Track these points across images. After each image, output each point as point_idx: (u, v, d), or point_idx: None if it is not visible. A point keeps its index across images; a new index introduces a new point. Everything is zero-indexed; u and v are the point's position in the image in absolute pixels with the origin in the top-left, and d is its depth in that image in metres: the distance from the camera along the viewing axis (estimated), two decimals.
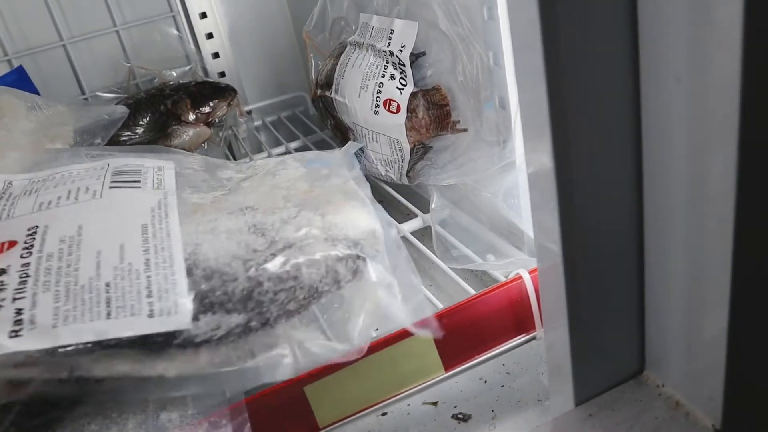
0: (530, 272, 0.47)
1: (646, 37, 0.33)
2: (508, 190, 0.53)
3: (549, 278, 0.40)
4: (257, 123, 1.04)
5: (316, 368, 0.43)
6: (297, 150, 0.91)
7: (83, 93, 0.99)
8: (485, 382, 0.54)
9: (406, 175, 0.67)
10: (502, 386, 0.53)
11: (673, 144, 0.35)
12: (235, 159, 0.94)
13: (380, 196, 0.69)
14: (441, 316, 0.45)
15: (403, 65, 0.62)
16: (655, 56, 0.33)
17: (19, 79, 0.87)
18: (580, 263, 0.38)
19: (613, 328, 0.42)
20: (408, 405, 0.54)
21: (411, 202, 0.69)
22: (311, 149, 0.90)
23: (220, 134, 0.97)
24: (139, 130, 0.93)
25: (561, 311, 0.40)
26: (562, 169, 0.35)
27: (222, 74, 1.04)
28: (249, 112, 1.02)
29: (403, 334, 0.44)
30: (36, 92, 0.87)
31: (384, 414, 0.53)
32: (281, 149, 0.92)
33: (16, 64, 0.93)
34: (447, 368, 0.46)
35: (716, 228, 0.35)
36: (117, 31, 0.98)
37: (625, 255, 0.40)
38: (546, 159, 0.35)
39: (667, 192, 0.37)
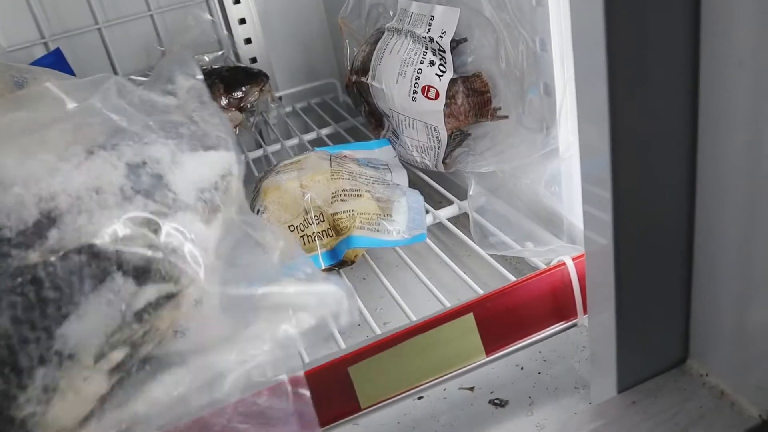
0: (573, 259, 0.46)
1: (709, 19, 0.33)
2: (550, 178, 0.53)
3: (597, 263, 0.40)
4: (287, 109, 1.04)
5: (360, 348, 0.43)
6: (329, 136, 0.91)
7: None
8: (522, 369, 0.54)
9: (443, 162, 0.66)
10: (539, 373, 0.53)
11: (730, 130, 0.35)
12: (265, 144, 0.94)
13: (414, 183, 0.69)
14: (484, 300, 0.45)
15: (443, 51, 0.62)
16: (717, 38, 0.33)
17: (57, 62, 0.88)
18: (630, 248, 0.38)
19: (659, 315, 0.42)
20: (444, 390, 0.54)
21: (446, 189, 0.69)
22: (343, 135, 0.90)
23: (251, 120, 0.98)
24: None
25: (608, 297, 0.40)
26: (617, 151, 0.35)
27: (254, 60, 1.04)
28: (279, 98, 1.02)
29: (448, 317, 0.44)
30: (73, 74, 0.88)
31: (420, 398, 0.54)
32: (312, 135, 0.92)
33: (52, 47, 0.94)
34: (488, 352, 0.46)
35: None
36: (151, 15, 0.99)
37: (674, 242, 0.40)
38: (602, 141, 0.35)
39: (720, 179, 0.36)
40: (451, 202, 0.66)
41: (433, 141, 0.66)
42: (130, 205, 0.36)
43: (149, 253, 0.35)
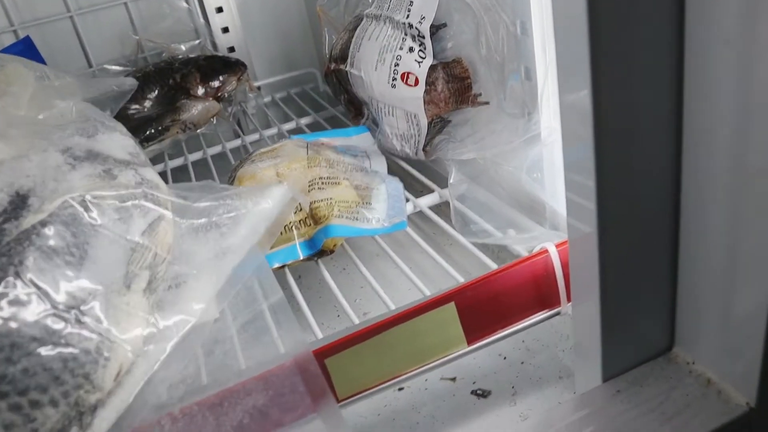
0: (556, 246, 0.46)
1: None
2: (531, 164, 0.52)
3: (581, 249, 0.39)
4: (266, 99, 1.03)
5: (337, 340, 0.42)
6: (308, 126, 0.90)
7: (90, 66, 0.98)
8: (504, 358, 0.53)
9: (423, 149, 0.65)
10: (522, 363, 0.53)
11: (716, 110, 0.34)
12: (243, 134, 0.93)
13: (394, 172, 0.68)
14: (465, 289, 0.43)
15: (423, 37, 0.61)
16: (703, 17, 0.32)
17: (26, 50, 0.85)
18: (615, 235, 0.37)
19: (644, 303, 0.41)
20: (426, 380, 0.53)
21: (426, 178, 0.67)
22: (322, 125, 0.88)
23: (229, 109, 0.96)
24: (147, 103, 0.91)
25: (592, 284, 0.39)
26: (601, 137, 0.34)
27: (231, 49, 1.02)
28: (258, 88, 1.01)
29: (428, 306, 0.43)
30: (43, 62, 0.86)
31: (401, 389, 0.53)
32: (292, 125, 0.91)
33: (22, 35, 0.91)
34: (470, 342, 0.45)
35: (759, 200, 0.34)
36: (125, 3, 0.97)
37: (660, 229, 0.39)
38: (585, 127, 0.33)
39: (706, 164, 0.36)
40: (431, 191, 0.65)
41: (414, 128, 0.64)
42: (81, 169, 0.42)
43: (128, 192, 0.42)
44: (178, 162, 0.87)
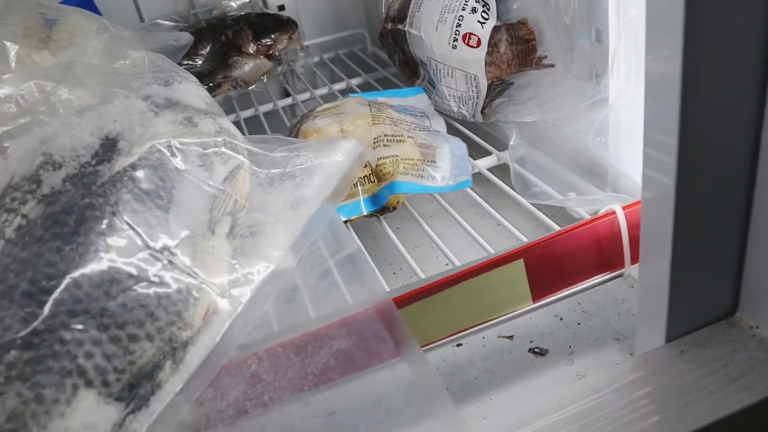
0: (623, 208, 0.46)
1: None
2: (597, 128, 0.52)
3: (655, 209, 0.39)
4: (315, 59, 1.03)
5: (409, 292, 0.43)
6: (359, 86, 0.90)
7: (142, 20, 0.98)
8: (561, 319, 0.54)
9: (481, 112, 0.66)
10: (579, 324, 0.53)
11: None
12: (291, 94, 0.93)
13: (450, 133, 0.68)
14: (534, 247, 0.44)
15: None
16: None
17: (85, 2, 0.86)
18: (692, 194, 0.38)
19: (713, 265, 0.41)
20: (483, 338, 0.54)
21: (482, 140, 0.68)
22: (373, 85, 0.89)
23: (279, 68, 0.97)
24: (199, 60, 0.92)
25: (664, 244, 0.39)
26: (688, 91, 0.34)
27: (281, 8, 1.02)
28: (307, 47, 1.01)
29: (498, 262, 0.43)
30: (100, 15, 0.86)
31: (459, 345, 0.54)
32: (342, 85, 0.91)
33: None
34: (535, 299, 0.45)
35: None
36: None
37: (735, 191, 0.39)
38: (671, 83, 0.34)
39: None
40: (486, 153, 0.65)
41: (472, 90, 0.65)
42: (164, 116, 0.43)
43: (210, 139, 0.43)
44: (230, 119, 0.88)
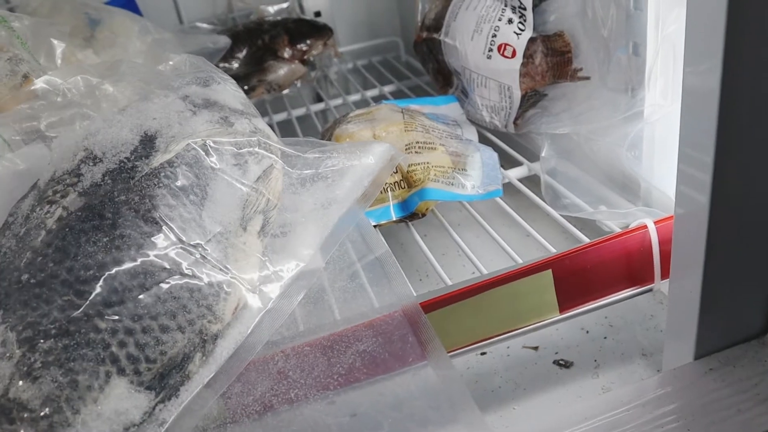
0: (655, 223, 0.46)
1: None
2: (631, 141, 0.52)
3: (688, 225, 0.39)
4: (348, 66, 1.04)
5: (438, 297, 0.43)
6: (392, 94, 0.91)
7: (181, 22, 1.00)
8: (587, 332, 0.54)
9: (513, 122, 0.66)
10: (605, 338, 0.53)
11: None
12: (324, 99, 0.94)
13: (481, 142, 0.68)
14: (563, 258, 0.44)
15: (524, 9, 0.61)
16: None
17: (128, 3, 0.88)
18: (725, 212, 0.37)
19: (745, 284, 0.41)
20: (507, 347, 0.54)
21: (513, 150, 0.68)
22: (406, 93, 0.89)
23: (312, 73, 0.98)
24: (235, 62, 0.94)
25: (696, 261, 0.39)
26: (726, 108, 0.34)
27: (317, 14, 1.03)
28: (341, 54, 1.02)
29: (527, 271, 0.43)
30: (141, 16, 0.88)
31: (483, 353, 0.54)
32: (375, 92, 0.92)
33: None
34: (562, 311, 0.45)
35: None
36: None
37: None
38: (710, 99, 0.34)
39: None
40: (518, 164, 0.65)
41: (506, 101, 0.65)
42: (201, 115, 0.45)
43: (244, 139, 0.44)
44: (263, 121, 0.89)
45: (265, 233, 0.42)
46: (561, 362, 0.51)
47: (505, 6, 0.62)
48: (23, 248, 0.37)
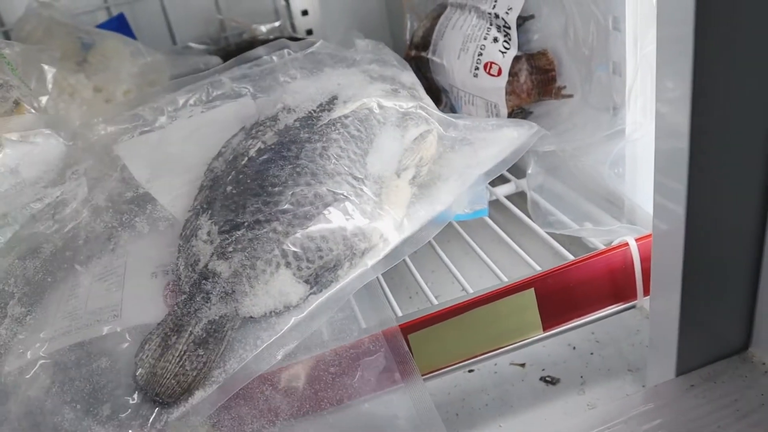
0: (636, 240, 0.46)
1: None
2: (613, 159, 0.53)
3: (665, 243, 0.39)
4: None
5: (421, 317, 0.44)
6: None
7: (174, 43, 1.01)
8: (574, 348, 0.54)
9: None
10: (591, 354, 0.53)
11: None
12: None
13: None
14: (546, 276, 0.45)
15: (509, 28, 0.62)
16: None
17: (121, 27, 0.89)
18: (702, 230, 0.38)
19: (724, 302, 0.42)
20: (495, 365, 0.54)
21: None
22: None
23: None
24: None
25: (674, 279, 0.40)
26: (697, 136, 0.34)
27: (309, 32, 1.05)
28: None
29: (509, 290, 0.44)
30: (135, 39, 0.89)
31: (471, 371, 0.54)
32: None
33: (114, 12, 0.96)
34: (545, 329, 0.46)
35: None
36: None
37: (746, 227, 0.39)
38: (682, 125, 0.34)
39: None
40: (505, 181, 0.66)
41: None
42: (375, 84, 0.58)
43: (402, 105, 0.55)
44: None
45: (415, 183, 0.50)
46: (548, 379, 0.52)
47: (491, 25, 0.63)
48: (230, 169, 0.50)
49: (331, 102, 0.54)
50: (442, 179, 0.51)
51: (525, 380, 0.52)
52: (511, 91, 0.62)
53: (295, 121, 0.52)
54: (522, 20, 0.61)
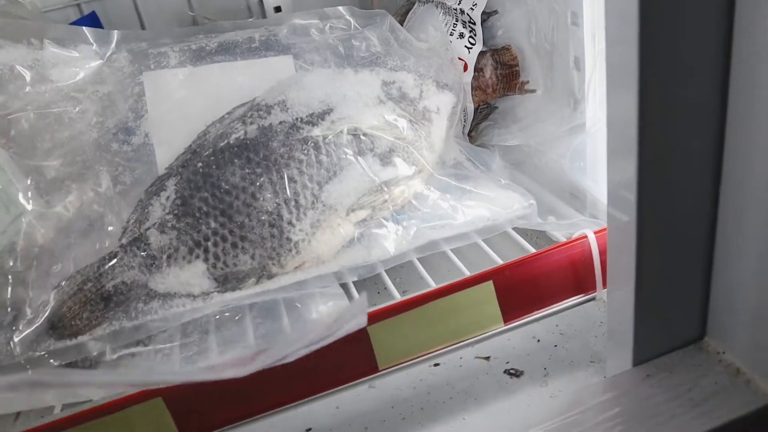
0: (595, 233, 0.47)
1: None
2: (575, 153, 0.53)
3: (620, 235, 0.40)
4: None
5: (379, 309, 0.44)
6: None
7: None
8: (538, 341, 0.55)
9: (468, 135, 0.67)
10: (555, 346, 0.54)
11: (760, 106, 0.34)
12: None
13: None
14: (504, 269, 0.45)
15: (474, 24, 0.62)
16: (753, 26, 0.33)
17: (92, 25, 0.89)
18: (653, 224, 0.38)
19: (679, 292, 0.42)
20: (460, 358, 0.54)
21: None
22: None
23: None
24: None
25: (628, 271, 0.40)
26: (645, 125, 0.35)
27: (278, 9, 1.04)
28: None
29: (467, 283, 0.44)
30: None
31: (436, 365, 0.54)
32: None
33: (85, 10, 0.95)
34: (506, 321, 0.46)
35: None
36: None
37: (697, 220, 0.40)
38: (630, 113, 0.35)
39: (747, 158, 0.36)
40: None
41: (460, 114, 0.66)
42: (386, 106, 0.55)
43: (395, 141, 0.53)
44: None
45: (363, 225, 0.51)
46: (512, 372, 0.52)
47: (456, 21, 0.64)
48: (212, 144, 0.52)
49: (322, 115, 0.53)
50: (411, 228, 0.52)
51: (489, 373, 0.52)
52: (476, 86, 0.63)
53: (280, 123, 0.52)
54: (486, 16, 0.61)
